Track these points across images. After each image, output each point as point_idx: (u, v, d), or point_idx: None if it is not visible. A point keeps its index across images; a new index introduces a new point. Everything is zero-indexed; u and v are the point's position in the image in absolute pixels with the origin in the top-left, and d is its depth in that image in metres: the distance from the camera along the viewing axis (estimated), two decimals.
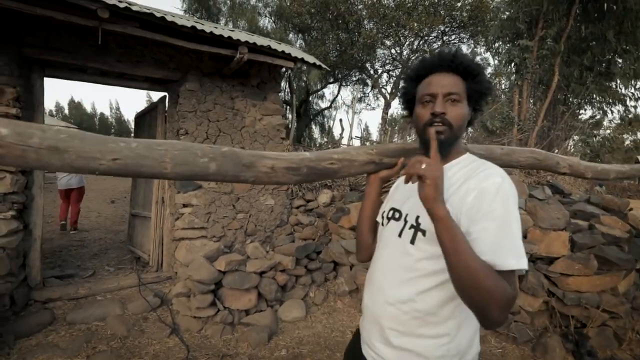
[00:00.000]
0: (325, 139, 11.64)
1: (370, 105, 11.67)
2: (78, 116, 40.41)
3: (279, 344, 2.57)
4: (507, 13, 7.57)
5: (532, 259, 2.76)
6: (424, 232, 0.79)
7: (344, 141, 6.08)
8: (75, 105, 43.06)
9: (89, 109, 44.92)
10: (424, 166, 0.70)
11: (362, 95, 10.46)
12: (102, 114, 45.66)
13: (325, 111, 13.03)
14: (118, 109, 48.09)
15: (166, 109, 3.49)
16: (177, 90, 3.25)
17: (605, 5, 5.83)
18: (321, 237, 3.72)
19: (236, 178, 0.82)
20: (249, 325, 2.73)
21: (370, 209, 1.05)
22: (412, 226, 0.82)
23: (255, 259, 3.13)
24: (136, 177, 0.72)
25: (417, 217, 0.81)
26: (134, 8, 2.35)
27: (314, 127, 13.30)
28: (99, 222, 6.18)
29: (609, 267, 2.56)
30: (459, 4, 6.03)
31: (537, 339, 2.57)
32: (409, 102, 0.94)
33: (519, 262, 0.66)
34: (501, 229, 0.68)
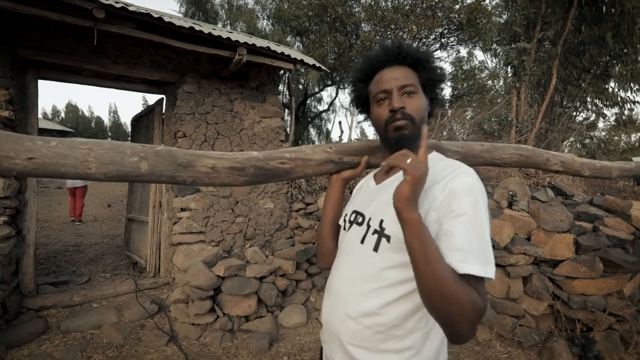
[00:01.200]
0: (323, 142, 11.61)
1: None
2: (74, 120, 40.07)
3: (280, 351, 2.51)
4: (505, 16, 7.61)
5: (537, 261, 2.73)
6: (388, 238, 0.72)
7: None
8: (72, 109, 42.69)
9: (86, 112, 44.60)
10: (409, 161, 0.64)
11: None
12: (98, 117, 45.34)
13: (323, 114, 13.03)
14: (116, 112, 47.79)
15: (163, 111, 3.44)
16: (175, 92, 3.20)
17: (604, 8, 5.86)
18: None
19: (172, 179, 0.79)
20: (249, 331, 2.67)
21: (332, 212, 0.99)
22: (375, 231, 0.75)
23: (255, 264, 3.07)
24: (58, 178, 0.69)
25: (381, 222, 0.74)
26: (130, 8, 2.30)
27: (311, 129, 13.29)
28: (95, 227, 6.09)
29: (615, 270, 2.53)
30: (457, 7, 6.04)
31: (543, 344, 2.53)
32: (364, 104, 0.89)
33: (485, 269, 0.61)
34: (471, 231, 0.62)
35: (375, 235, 0.75)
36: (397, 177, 0.81)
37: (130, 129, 4.50)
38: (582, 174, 1.29)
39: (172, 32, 2.62)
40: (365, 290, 0.74)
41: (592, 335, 2.49)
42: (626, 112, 8.14)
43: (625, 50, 6.70)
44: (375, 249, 0.74)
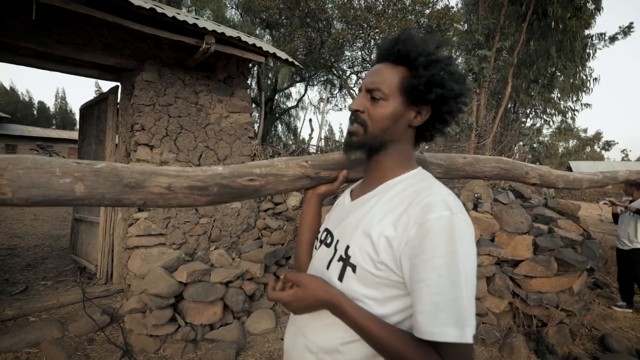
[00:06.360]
0: (291, 141, 11.43)
1: (337, 106, 11.68)
2: (11, 104, 35.68)
3: None
4: (466, 24, 8.00)
5: (499, 261, 2.86)
6: (353, 268, 0.63)
7: (314, 141, 5.98)
8: (8, 92, 37.90)
9: (27, 97, 39.77)
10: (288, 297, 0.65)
11: (330, 95, 10.43)
12: (41, 103, 40.71)
13: (292, 110, 12.85)
14: (64, 98, 43.23)
15: (119, 100, 3.11)
16: (132, 80, 2.90)
17: (553, 23, 6.37)
18: (290, 242, 3.56)
19: (118, 202, 0.66)
20: (214, 341, 2.50)
21: (308, 232, 0.89)
22: (340, 258, 0.67)
23: (221, 268, 2.89)
24: None
25: (347, 248, 0.66)
26: None
27: (279, 125, 13.05)
28: (35, 226, 5.44)
29: (567, 269, 2.72)
30: (427, 11, 6.20)
31: (503, 340, 2.65)
32: None
33: (461, 332, 0.50)
34: (444, 284, 0.52)
35: (340, 263, 0.66)
36: (373, 195, 0.71)
37: (78, 118, 4.04)
38: (556, 186, 1.33)
39: (129, 13, 2.35)
40: (327, 322, 0.65)
41: (546, 330, 2.67)
42: (569, 120, 8.96)
43: (565, 65, 7.38)
44: (340, 278, 0.66)
